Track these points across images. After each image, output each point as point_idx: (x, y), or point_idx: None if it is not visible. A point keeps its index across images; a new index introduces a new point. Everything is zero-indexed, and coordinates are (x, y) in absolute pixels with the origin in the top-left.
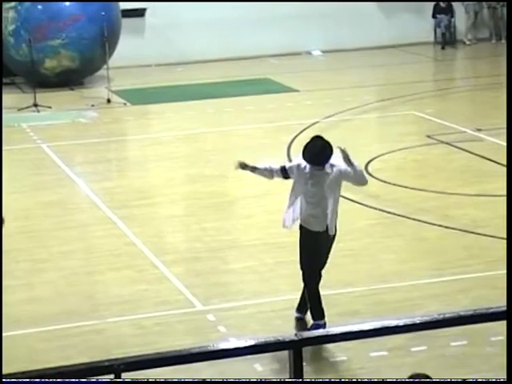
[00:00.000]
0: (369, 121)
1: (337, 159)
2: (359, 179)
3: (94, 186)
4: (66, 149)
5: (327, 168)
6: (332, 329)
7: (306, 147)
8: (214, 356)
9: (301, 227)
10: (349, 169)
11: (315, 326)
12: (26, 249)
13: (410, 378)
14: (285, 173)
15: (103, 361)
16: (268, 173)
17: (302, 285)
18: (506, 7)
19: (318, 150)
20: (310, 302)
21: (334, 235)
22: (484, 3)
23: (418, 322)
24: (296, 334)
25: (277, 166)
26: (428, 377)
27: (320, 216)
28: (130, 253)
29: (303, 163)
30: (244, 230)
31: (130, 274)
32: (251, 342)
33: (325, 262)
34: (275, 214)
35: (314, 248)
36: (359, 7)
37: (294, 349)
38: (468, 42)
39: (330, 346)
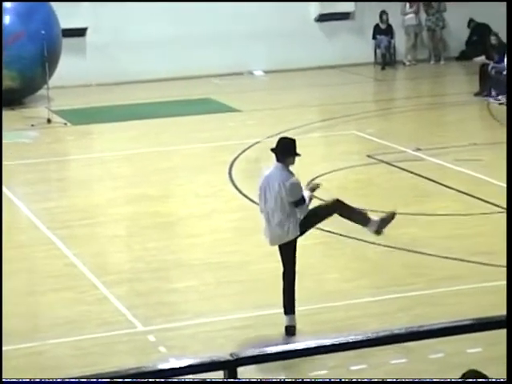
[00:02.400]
0: (311, 140)
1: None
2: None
3: (35, 206)
4: (5, 169)
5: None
6: (269, 348)
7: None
8: (150, 376)
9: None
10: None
11: None
12: None
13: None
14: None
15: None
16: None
17: (244, 304)
18: (506, 7)
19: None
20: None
21: None
22: (424, 26)
23: (351, 340)
24: (231, 354)
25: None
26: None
27: None
28: (71, 274)
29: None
30: (186, 250)
31: (70, 295)
32: (186, 363)
33: None
34: (217, 234)
35: None
36: (301, 27)
37: (229, 369)
38: (408, 63)
39: (267, 365)
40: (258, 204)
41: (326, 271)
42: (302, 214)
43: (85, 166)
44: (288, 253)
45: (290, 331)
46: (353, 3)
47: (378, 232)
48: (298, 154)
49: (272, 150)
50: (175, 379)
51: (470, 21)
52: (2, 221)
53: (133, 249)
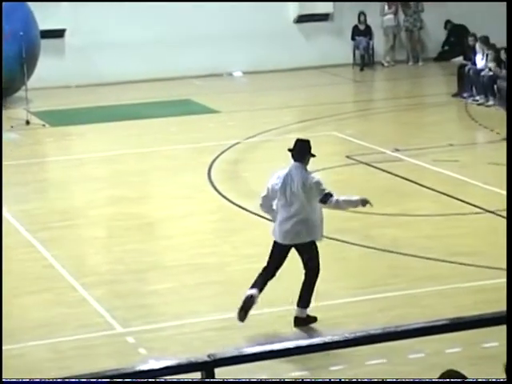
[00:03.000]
0: (290, 141)
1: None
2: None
3: (14, 208)
4: None
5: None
6: (246, 349)
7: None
8: (129, 378)
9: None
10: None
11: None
12: None
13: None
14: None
15: None
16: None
17: (222, 305)
18: (506, 8)
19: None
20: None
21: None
22: (402, 26)
23: (329, 341)
24: (209, 355)
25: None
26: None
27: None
28: (49, 276)
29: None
30: (165, 252)
31: (48, 297)
32: (164, 364)
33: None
34: (196, 235)
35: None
36: (280, 28)
37: (207, 370)
38: (386, 64)
39: (243, 367)
40: (236, 205)
41: None
42: (332, 208)
43: (64, 167)
44: (309, 250)
45: (302, 323)
46: (331, 4)
47: (296, 320)
48: (314, 155)
49: (289, 150)
50: (161, 379)
51: (447, 22)
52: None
53: (112, 250)
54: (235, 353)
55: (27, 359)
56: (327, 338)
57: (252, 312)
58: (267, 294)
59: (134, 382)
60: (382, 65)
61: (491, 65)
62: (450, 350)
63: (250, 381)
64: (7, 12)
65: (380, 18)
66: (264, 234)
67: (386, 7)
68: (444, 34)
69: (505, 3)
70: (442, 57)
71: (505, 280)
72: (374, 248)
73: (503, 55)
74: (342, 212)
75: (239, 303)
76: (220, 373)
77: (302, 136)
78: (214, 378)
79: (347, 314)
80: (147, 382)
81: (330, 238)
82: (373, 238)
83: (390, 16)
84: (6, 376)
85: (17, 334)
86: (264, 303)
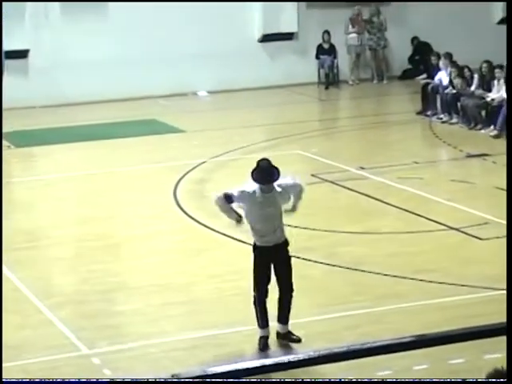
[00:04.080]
0: (256, 160)
1: (281, 179)
2: (300, 194)
3: None
4: None
5: (276, 188)
6: (210, 368)
7: (254, 170)
8: None
9: (256, 246)
10: (293, 185)
11: None
12: None
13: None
14: (229, 199)
15: None
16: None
17: (189, 325)
18: (506, 10)
19: (265, 169)
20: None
21: (286, 244)
22: (366, 45)
23: (294, 360)
24: (173, 375)
25: (220, 194)
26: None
27: (271, 233)
28: (15, 298)
29: (253, 189)
30: (131, 272)
31: (14, 319)
32: None
33: (282, 273)
34: (163, 255)
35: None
36: (245, 48)
37: None
38: (351, 82)
39: None
40: (202, 224)
41: (271, 291)
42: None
43: (29, 188)
44: (288, 259)
45: (290, 338)
46: (295, 23)
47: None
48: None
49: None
50: (161, 379)
51: (414, 38)
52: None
53: (77, 271)
54: (199, 372)
55: None
56: (292, 357)
57: (220, 331)
58: (234, 314)
59: (134, 382)
60: (347, 83)
61: (456, 81)
62: (418, 367)
63: (250, 381)
64: None
65: (344, 37)
66: (230, 254)
67: (350, 26)
68: (408, 51)
69: (465, 20)
70: (407, 75)
71: (468, 296)
72: (338, 266)
73: (467, 73)
74: (307, 230)
75: (205, 322)
76: None
77: (267, 155)
78: None
79: (312, 332)
80: (147, 381)
81: (294, 257)
82: (337, 255)
83: (354, 35)
84: None
85: None
86: (232, 323)
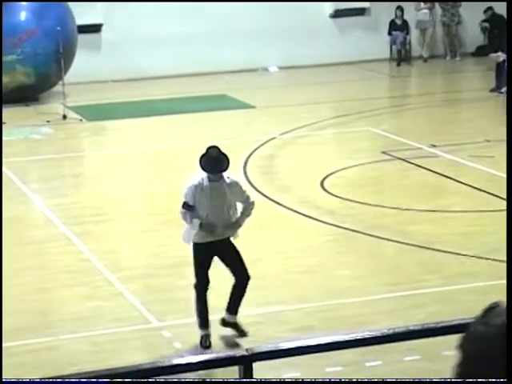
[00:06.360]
0: (325, 137)
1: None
2: (250, 210)
3: (50, 202)
4: (20, 165)
5: (226, 178)
6: (284, 343)
7: (202, 157)
8: (165, 372)
9: (196, 243)
10: (243, 192)
11: None
12: None
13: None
14: (188, 207)
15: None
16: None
17: (259, 300)
18: (506, 7)
19: (215, 157)
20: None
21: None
22: (439, 21)
23: (367, 336)
24: (247, 350)
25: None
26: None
27: (218, 226)
28: (85, 269)
29: (200, 179)
30: None
31: (84, 290)
32: (202, 358)
33: (235, 267)
34: None
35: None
36: (315, 24)
37: (245, 364)
38: (426, 56)
39: (278, 363)
40: (271, 199)
41: (338, 268)
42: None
43: (99, 162)
44: (236, 250)
45: (239, 329)
46: None
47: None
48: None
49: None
50: (161, 379)
51: (488, 8)
52: (2, 218)
53: (147, 245)
54: (273, 347)
55: (63, 351)
56: (364, 334)
57: (285, 307)
58: (299, 291)
59: (135, 382)
60: (423, 58)
61: None
62: None
63: (247, 380)
64: (44, 8)
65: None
66: (297, 230)
67: (422, 4)
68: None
69: None
70: (481, 52)
71: None
72: (408, 244)
73: None
74: (377, 208)
75: (271, 298)
76: (257, 368)
77: (336, 131)
78: (251, 372)
79: (380, 310)
80: (147, 381)
81: (365, 234)
82: (407, 233)
83: (425, 11)
84: (38, 369)
85: (53, 327)
86: (298, 299)
